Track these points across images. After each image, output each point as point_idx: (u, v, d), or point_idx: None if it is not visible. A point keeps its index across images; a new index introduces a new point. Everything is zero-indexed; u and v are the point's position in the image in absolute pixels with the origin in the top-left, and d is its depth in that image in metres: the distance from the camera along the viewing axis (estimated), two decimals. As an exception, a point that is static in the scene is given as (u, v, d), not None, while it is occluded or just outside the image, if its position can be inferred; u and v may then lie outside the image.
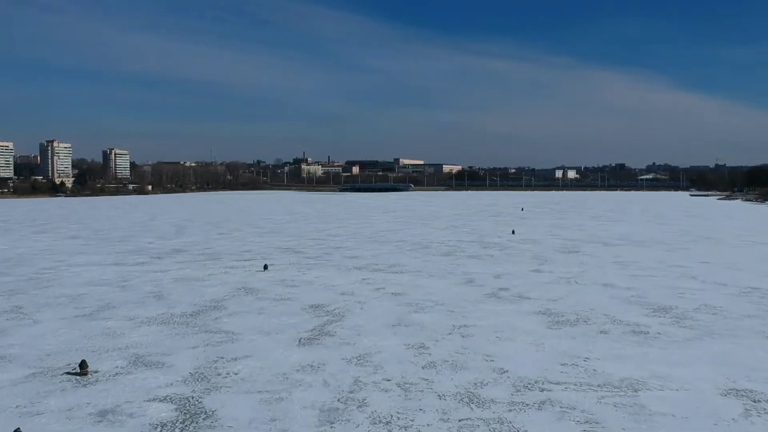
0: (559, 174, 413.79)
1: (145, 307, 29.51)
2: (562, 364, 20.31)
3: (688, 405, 16.77)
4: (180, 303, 30.47)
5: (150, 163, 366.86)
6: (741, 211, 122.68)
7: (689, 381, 18.69)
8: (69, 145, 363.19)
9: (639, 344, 22.82)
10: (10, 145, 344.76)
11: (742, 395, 17.52)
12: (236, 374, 19.57)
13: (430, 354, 21.60)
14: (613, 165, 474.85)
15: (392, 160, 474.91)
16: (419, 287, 34.58)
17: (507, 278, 37.50)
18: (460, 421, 15.81)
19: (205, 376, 19.35)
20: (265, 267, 41.45)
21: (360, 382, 18.76)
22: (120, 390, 18.14)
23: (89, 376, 19.37)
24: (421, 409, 16.57)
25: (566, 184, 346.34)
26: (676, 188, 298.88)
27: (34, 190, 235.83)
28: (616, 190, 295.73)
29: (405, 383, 18.60)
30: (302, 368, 20.06)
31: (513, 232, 68.83)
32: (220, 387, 18.41)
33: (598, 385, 18.34)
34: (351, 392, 17.88)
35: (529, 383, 18.52)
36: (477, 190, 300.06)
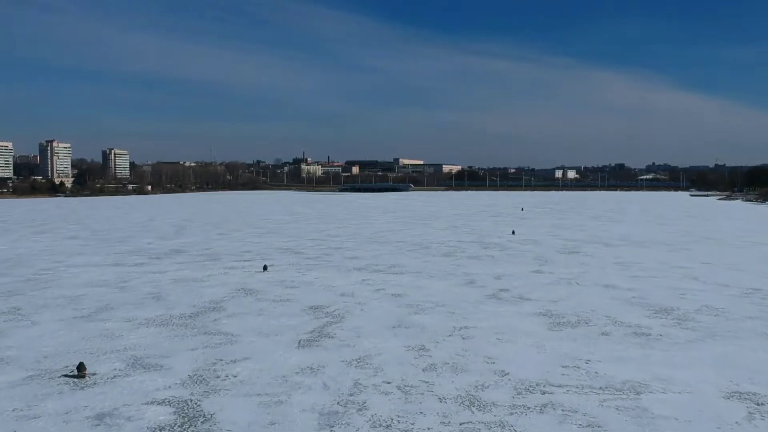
0: (558, 174, 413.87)
1: (143, 309, 29.36)
2: (563, 367, 20.16)
3: (690, 408, 16.62)
4: (179, 304, 30.31)
5: (149, 163, 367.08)
6: (741, 211, 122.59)
7: (692, 383, 18.54)
8: (68, 145, 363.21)
9: (641, 346, 22.68)
10: (10, 145, 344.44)
11: (745, 398, 17.37)
12: (235, 377, 19.42)
13: (430, 356, 21.45)
14: (613, 165, 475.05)
15: (392, 160, 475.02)
16: (419, 288, 34.44)
17: (508, 279, 37.36)
18: (461, 424, 15.66)
19: (203, 379, 19.20)
20: (265, 268, 41.30)
21: (360, 384, 18.61)
22: (118, 393, 17.99)
23: (87, 378, 19.22)
24: (421, 412, 16.42)
25: (566, 184, 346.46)
26: (676, 188, 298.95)
27: (34, 190, 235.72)
28: (616, 190, 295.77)
29: (405, 386, 18.45)
30: (302, 370, 19.91)
31: (513, 232, 68.70)
32: (219, 390, 18.26)
33: (600, 388, 18.19)
34: (351, 395, 17.73)
35: (530, 386, 18.37)
36: (477, 190, 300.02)
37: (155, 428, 15.52)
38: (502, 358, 21.21)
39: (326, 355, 21.57)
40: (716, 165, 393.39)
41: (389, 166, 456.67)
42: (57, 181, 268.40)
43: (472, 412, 16.42)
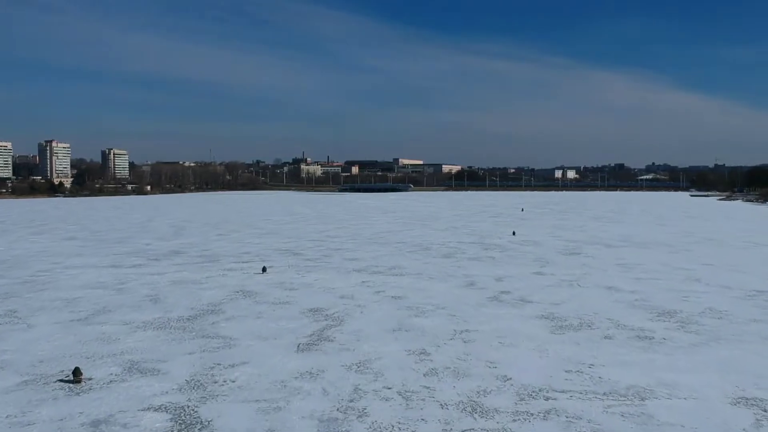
0: (558, 174, 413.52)
1: (141, 311, 29.04)
2: (566, 371, 19.86)
3: (696, 415, 16.33)
4: (177, 307, 30.00)
5: (149, 163, 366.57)
6: (742, 211, 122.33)
7: (697, 389, 18.25)
8: (68, 145, 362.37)
9: (644, 350, 22.38)
10: (9, 145, 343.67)
11: (752, 404, 17.07)
12: (233, 382, 19.11)
13: (431, 360, 21.15)
14: (613, 165, 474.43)
15: (392, 160, 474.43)
16: (420, 290, 34.13)
17: (508, 281, 37.05)
18: (463, 431, 15.37)
19: (201, 384, 18.89)
20: (264, 269, 40.99)
21: (360, 390, 18.30)
22: (114, 399, 17.68)
23: (83, 383, 18.91)
24: (422, 419, 16.12)
25: (566, 184, 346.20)
26: (676, 188, 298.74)
27: (33, 191, 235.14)
28: (616, 190, 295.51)
29: (406, 391, 18.15)
30: (301, 375, 19.61)
31: (513, 233, 68.40)
32: (217, 395, 17.95)
33: (604, 394, 17.89)
34: (351, 401, 17.43)
35: (533, 391, 18.07)
36: (476, 190, 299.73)
37: (151, 436, 15.21)
38: (504, 362, 20.91)
39: (326, 360, 21.27)
40: (716, 165, 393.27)
41: (389, 166, 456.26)
42: (56, 181, 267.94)
43: (475, 419, 16.12)
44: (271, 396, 17.86)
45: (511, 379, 19.22)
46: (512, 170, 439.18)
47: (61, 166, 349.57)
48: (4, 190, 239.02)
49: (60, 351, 22.49)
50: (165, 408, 16.98)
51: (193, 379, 19.31)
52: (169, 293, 33.60)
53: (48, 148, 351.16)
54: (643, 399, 17.49)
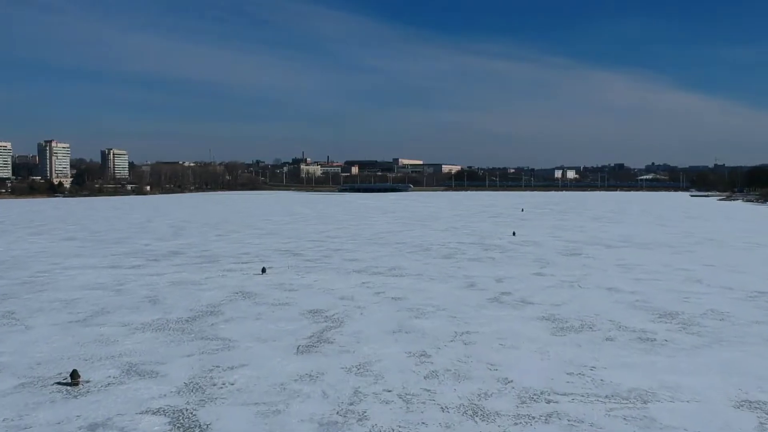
0: (558, 174, 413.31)
1: (139, 313, 28.90)
2: (568, 374, 19.72)
3: (699, 418, 16.19)
4: (176, 308, 29.86)
5: (149, 163, 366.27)
6: (742, 212, 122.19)
7: (699, 392, 18.11)
8: (67, 145, 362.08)
9: (646, 352, 22.25)
10: (9, 145, 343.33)
11: (755, 407, 16.93)
12: (232, 384, 18.97)
13: (432, 362, 21.01)
14: (613, 165, 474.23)
15: (391, 160, 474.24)
16: (420, 291, 33.99)
17: (509, 282, 36.92)
18: (464, 435, 15.24)
19: (199, 387, 18.75)
20: (263, 270, 40.85)
21: (360, 393, 18.16)
22: (112, 402, 17.54)
23: (80, 386, 18.77)
24: (423, 423, 15.98)
25: (566, 185, 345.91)
26: (676, 188, 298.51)
27: (32, 191, 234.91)
28: (616, 190, 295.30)
29: (406, 394, 18.01)
30: (300, 378, 19.47)
31: (514, 233, 68.28)
32: (216, 398, 17.81)
33: (606, 397, 17.75)
34: (351, 404, 17.29)
35: (534, 394, 17.93)
36: (476, 190, 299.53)
37: (149, 439, 15.07)
38: (505, 364, 20.77)
39: (325, 362, 21.13)
40: (716, 165, 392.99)
41: (389, 167, 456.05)
42: (56, 181, 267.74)
43: (476, 422, 15.98)
44: (270, 399, 17.73)
45: (512, 381, 19.08)
46: (512, 170, 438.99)
47: (60, 166, 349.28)
48: (4, 190, 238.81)
49: (58, 353, 22.34)
50: (163, 411, 16.85)
51: (191, 382, 19.17)
52: (168, 294, 33.46)
53: (47, 148, 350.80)
54: (645, 402, 17.35)
